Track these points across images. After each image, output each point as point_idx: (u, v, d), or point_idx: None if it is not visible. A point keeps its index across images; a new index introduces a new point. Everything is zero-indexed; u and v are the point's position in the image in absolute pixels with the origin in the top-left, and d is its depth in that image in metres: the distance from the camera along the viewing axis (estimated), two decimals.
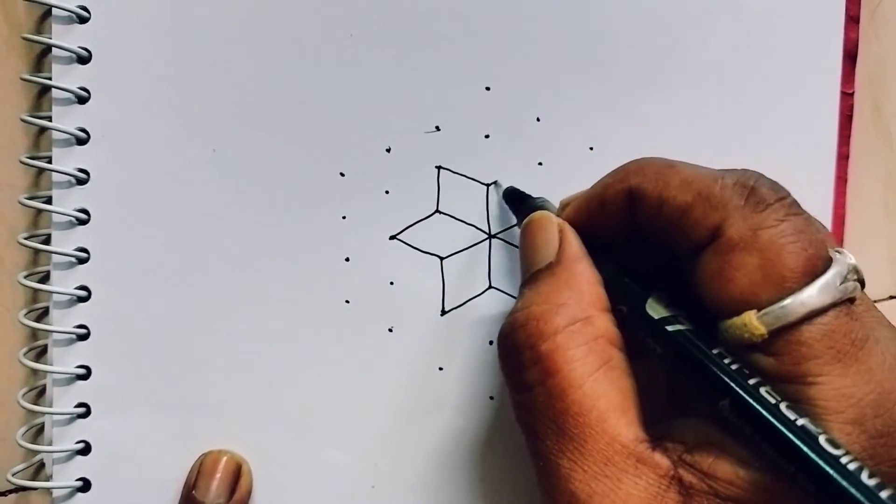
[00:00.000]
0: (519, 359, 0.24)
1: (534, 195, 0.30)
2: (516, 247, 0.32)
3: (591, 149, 0.32)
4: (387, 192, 0.32)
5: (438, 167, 0.32)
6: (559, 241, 0.25)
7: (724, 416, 0.22)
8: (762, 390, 0.21)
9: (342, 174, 0.31)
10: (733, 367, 0.22)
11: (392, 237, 0.32)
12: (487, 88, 0.32)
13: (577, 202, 0.27)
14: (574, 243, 0.25)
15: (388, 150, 0.32)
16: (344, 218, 0.32)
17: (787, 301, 0.21)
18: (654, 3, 0.32)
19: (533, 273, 0.25)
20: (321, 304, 0.31)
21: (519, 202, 0.30)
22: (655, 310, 0.24)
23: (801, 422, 0.20)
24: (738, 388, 0.21)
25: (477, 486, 0.32)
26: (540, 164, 0.32)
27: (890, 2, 0.33)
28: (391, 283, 0.32)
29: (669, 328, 0.23)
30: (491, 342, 0.32)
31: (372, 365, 0.31)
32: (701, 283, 0.23)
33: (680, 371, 0.23)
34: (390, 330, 0.32)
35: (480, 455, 0.32)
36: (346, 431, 0.31)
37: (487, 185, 0.32)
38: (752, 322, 0.21)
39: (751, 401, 0.21)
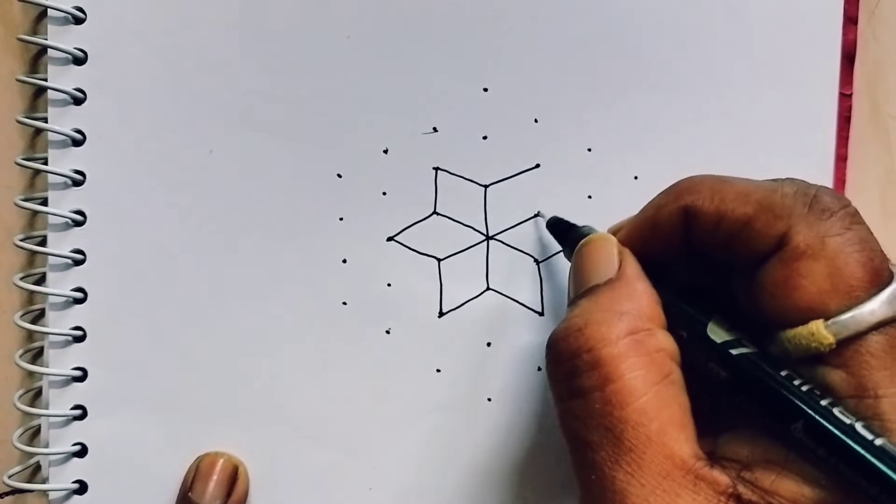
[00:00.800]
0: (575, 363, 0.23)
1: (577, 222, 0.30)
2: (514, 248, 0.32)
3: (589, 150, 0.32)
4: (384, 194, 0.32)
5: (436, 168, 0.32)
6: (619, 261, 0.25)
7: (797, 439, 0.21)
8: (836, 411, 0.21)
9: (339, 176, 0.31)
10: (804, 388, 0.21)
11: (389, 239, 0.32)
12: (485, 90, 0.31)
13: (628, 227, 0.26)
14: (634, 264, 0.25)
15: (386, 152, 0.31)
16: (341, 219, 0.31)
17: (856, 311, 0.21)
18: (651, 4, 0.32)
19: (590, 287, 0.25)
20: (318, 306, 0.31)
21: (565, 231, 0.30)
22: (717, 334, 0.23)
23: (878, 441, 0.20)
24: (811, 411, 0.21)
25: (475, 488, 0.32)
26: (538, 165, 0.32)
27: (888, 3, 0.33)
28: (388, 285, 0.32)
29: (734, 352, 0.23)
30: (489, 344, 0.32)
31: (369, 367, 0.31)
32: (764, 294, 0.23)
33: (746, 395, 0.23)
34: (388, 332, 0.32)
35: (478, 457, 0.32)
36: (343, 433, 0.31)
37: (485, 187, 0.32)
38: (821, 331, 0.21)
39: (825, 423, 0.21)
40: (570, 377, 0.23)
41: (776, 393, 0.22)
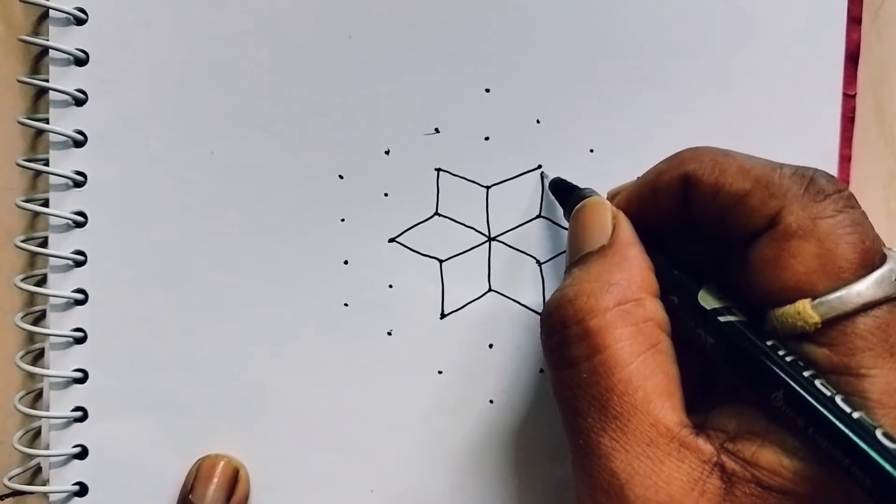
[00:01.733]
0: (565, 333, 0.24)
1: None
2: (517, 250, 0.32)
3: (592, 151, 0.32)
4: (386, 195, 0.31)
5: (438, 169, 0.32)
6: (612, 227, 0.25)
7: (777, 408, 0.21)
8: (817, 383, 0.21)
9: (341, 177, 0.31)
10: (787, 358, 0.22)
11: (391, 240, 0.31)
12: (487, 90, 0.31)
13: (627, 191, 0.27)
14: (627, 229, 0.25)
15: (388, 153, 0.31)
16: (343, 221, 0.31)
17: (843, 291, 0.21)
18: (654, 4, 0.31)
19: (583, 255, 0.25)
20: (320, 308, 0.31)
21: (566, 192, 0.30)
22: (707, 301, 0.24)
23: (856, 415, 0.20)
24: (792, 381, 0.21)
25: (476, 490, 0.31)
26: (540, 166, 0.32)
27: (892, 4, 0.33)
28: (390, 287, 0.31)
29: (722, 319, 0.23)
30: (491, 345, 0.32)
31: (371, 368, 0.31)
32: (754, 271, 0.23)
33: (730, 362, 0.23)
34: (389, 333, 0.31)
35: (480, 459, 0.31)
36: (344, 435, 0.31)
37: (487, 188, 0.32)
38: (807, 310, 0.21)
39: (805, 393, 0.21)
40: (561, 347, 0.24)
41: (759, 361, 0.22)
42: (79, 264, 0.31)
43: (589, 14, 0.31)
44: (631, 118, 0.32)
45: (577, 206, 0.27)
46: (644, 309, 0.23)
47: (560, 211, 0.31)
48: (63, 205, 0.31)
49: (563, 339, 0.24)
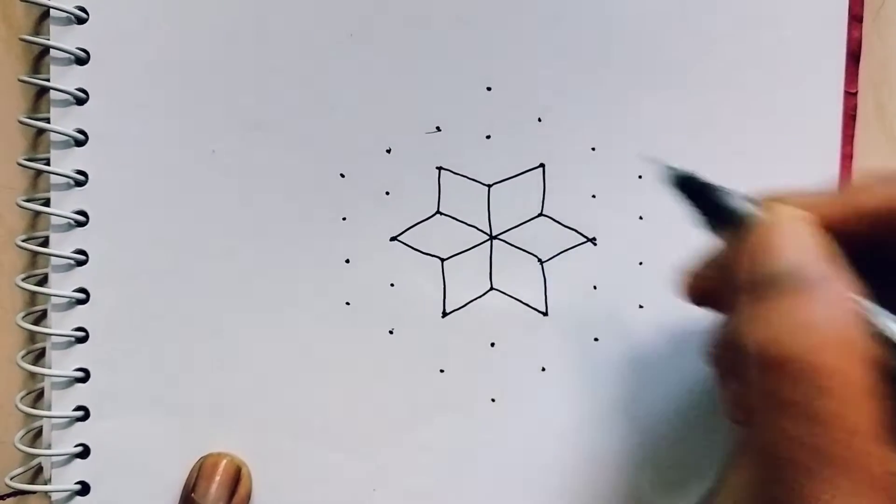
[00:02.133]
0: (787, 371, 0.21)
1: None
2: (518, 248, 0.32)
3: (594, 149, 0.32)
4: (387, 194, 0.31)
5: (439, 168, 0.32)
6: (817, 252, 0.22)
7: None
8: None
9: (342, 175, 0.31)
10: None
11: (392, 238, 0.31)
12: (489, 88, 0.31)
13: (826, 211, 0.23)
14: (834, 255, 0.22)
15: (389, 151, 0.31)
16: (344, 219, 0.31)
17: None
18: (655, 2, 0.31)
19: (783, 282, 0.22)
20: (321, 306, 0.31)
21: (707, 194, 0.25)
22: None
23: None
24: None
25: (479, 489, 0.31)
26: (541, 164, 0.32)
27: (893, 4, 0.33)
28: (392, 285, 0.31)
29: None
30: (493, 344, 0.32)
31: (372, 367, 0.31)
32: None
33: None
34: (391, 332, 0.31)
35: (481, 458, 0.31)
36: (346, 434, 0.31)
37: (489, 186, 0.32)
38: None
39: None
40: (782, 388, 0.21)
41: None
42: (80, 263, 0.31)
43: (590, 13, 0.31)
44: (632, 116, 0.32)
45: (768, 219, 0.23)
46: (859, 346, 0.21)
47: (562, 208, 0.31)
48: (64, 204, 0.31)
49: (784, 378, 0.21)
